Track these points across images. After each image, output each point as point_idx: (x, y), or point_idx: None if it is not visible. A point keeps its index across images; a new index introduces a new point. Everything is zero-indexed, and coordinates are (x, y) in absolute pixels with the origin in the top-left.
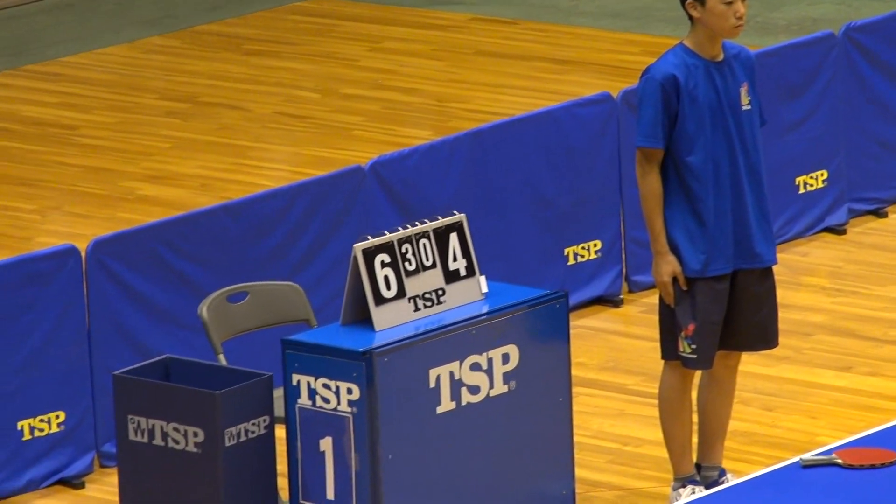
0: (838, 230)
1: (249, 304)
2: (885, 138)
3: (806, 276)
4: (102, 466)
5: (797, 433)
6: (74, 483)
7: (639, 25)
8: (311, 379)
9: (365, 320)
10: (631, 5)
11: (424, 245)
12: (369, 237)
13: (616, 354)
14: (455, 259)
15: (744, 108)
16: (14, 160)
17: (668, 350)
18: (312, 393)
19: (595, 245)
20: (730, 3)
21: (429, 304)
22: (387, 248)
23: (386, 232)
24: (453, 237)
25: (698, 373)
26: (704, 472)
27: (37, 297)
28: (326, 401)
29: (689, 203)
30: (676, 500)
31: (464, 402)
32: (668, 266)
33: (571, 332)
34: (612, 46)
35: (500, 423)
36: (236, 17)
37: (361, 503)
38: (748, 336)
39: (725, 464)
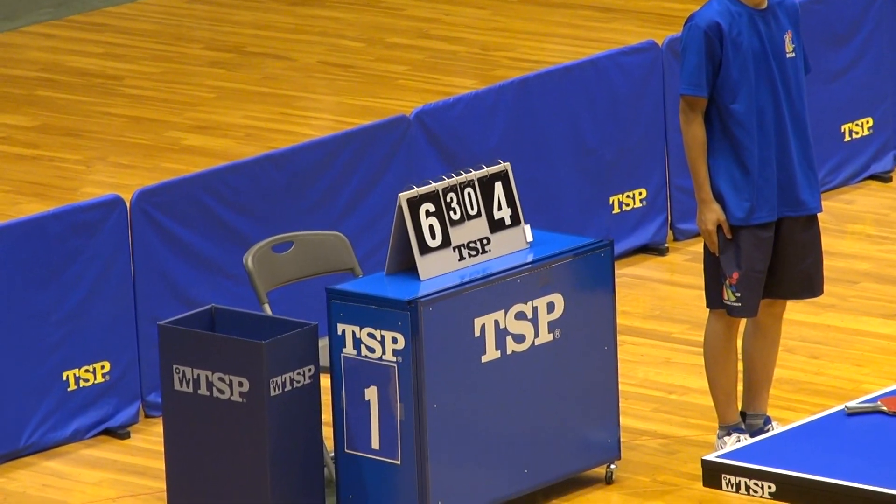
0: (884, 177)
1: (294, 253)
2: None
3: (851, 223)
4: (147, 416)
5: (842, 381)
6: (119, 433)
7: None
8: (357, 328)
9: (410, 270)
10: None
11: (469, 194)
12: (414, 186)
13: (661, 303)
14: (500, 208)
15: (788, 55)
16: (59, 111)
17: (713, 298)
18: (357, 342)
19: (640, 193)
20: None
21: (473, 253)
22: (431, 197)
23: (431, 181)
24: (498, 186)
25: (743, 321)
26: (749, 421)
27: (82, 247)
28: (371, 350)
29: (734, 151)
30: (721, 447)
31: (509, 351)
32: (712, 214)
33: (616, 280)
34: None
35: (544, 371)
36: None
37: (406, 452)
38: (793, 284)
39: (770, 412)
